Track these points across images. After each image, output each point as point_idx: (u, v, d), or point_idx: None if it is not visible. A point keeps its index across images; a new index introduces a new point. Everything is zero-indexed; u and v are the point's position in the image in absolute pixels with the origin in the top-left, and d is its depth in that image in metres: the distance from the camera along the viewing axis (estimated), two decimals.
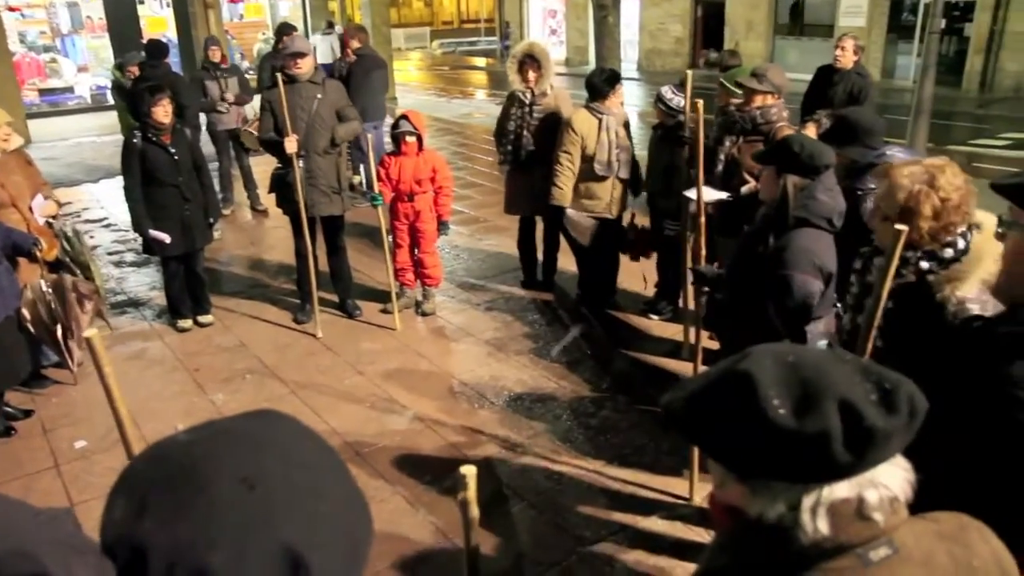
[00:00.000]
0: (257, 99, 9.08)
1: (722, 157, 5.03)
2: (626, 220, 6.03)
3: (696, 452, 3.88)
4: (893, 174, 2.50)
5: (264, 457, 0.84)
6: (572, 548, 3.68)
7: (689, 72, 4.73)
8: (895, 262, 2.02)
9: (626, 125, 5.88)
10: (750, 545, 1.05)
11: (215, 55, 8.61)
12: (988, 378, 1.53)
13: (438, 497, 4.05)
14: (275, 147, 5.69)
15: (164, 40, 9.73)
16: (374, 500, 4.05)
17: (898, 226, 1.97)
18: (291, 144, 5.53)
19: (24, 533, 0.93)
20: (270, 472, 0.83)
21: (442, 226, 6.16)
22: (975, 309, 2.23)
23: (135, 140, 5.55)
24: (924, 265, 2.44)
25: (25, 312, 4.70)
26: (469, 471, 1.21)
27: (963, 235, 2.42)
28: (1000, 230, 2.31)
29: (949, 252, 2.42)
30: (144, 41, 10.69)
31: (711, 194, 4.79)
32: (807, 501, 1.00)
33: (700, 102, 4.02)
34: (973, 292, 2.27)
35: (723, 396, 1.03)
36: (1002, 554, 1.14)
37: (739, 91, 5.12)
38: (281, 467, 0.84)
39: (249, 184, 9.13)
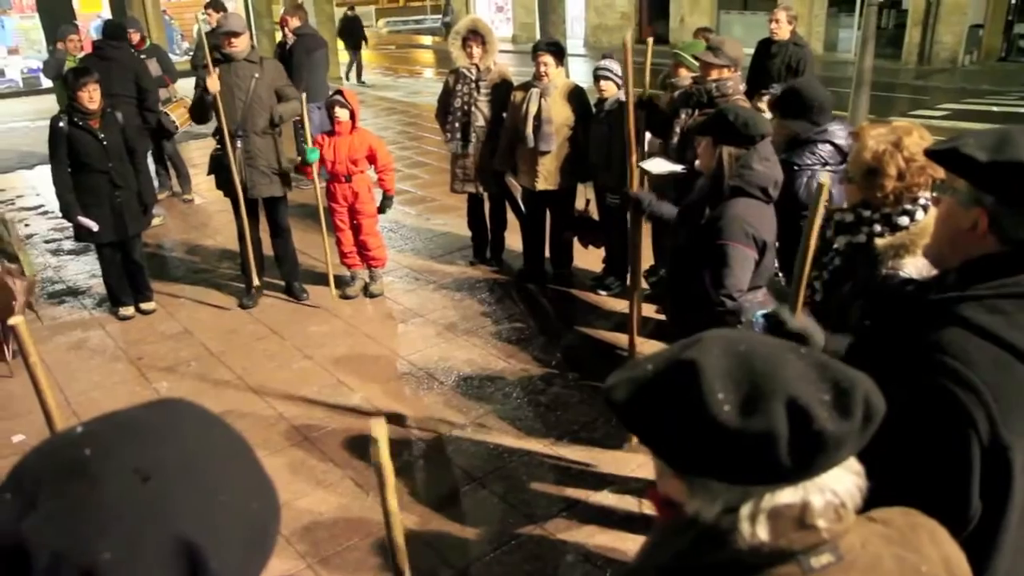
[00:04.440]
0: (182, 82, 8.88)
1: (677, 130, 5.05)
2: (580, 204, 6.03)
3: None
4: (862, 136, 2.52)
5: (161, 448, 0.81)
6: (523, 525, 3.69)
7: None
8: (819, 216, 2.03)
9: (573, 98, 5.78)
10: (686, 545, 1.00)
11: (133, 38, 8.36)
12: (917, 344, 1.55)
13: None
14: (204, 107, 5.57)
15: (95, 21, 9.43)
16: (323, 484, 4.02)
17: (822, 179, 1.99)
18: (212, 81, 5.42)
19: None
20: (166, 463, 0.79)
21: (386, 199, 6.03)
22: (906, 275, 2.26)
23: (61, 124, 5.37)
24: (877, 228, 2.47)
25: None
26: (379, 428, 1.13)
27: (924, 206, 2.43)
28: (935, 194, 2.34)
29: (905, 220, 2.43)
30: (77, 21, 10.36)
31: (665, 166, 4.81)
32: (747, 504, 0.94)
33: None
34: (915, 266, 2.29)
35: (665, 385, 0.97)
36: (953, 558, 1.10)
37: (696, 63, 5.15)
38: (179, 457, 0.81)
39: (179, 172, 8.87)
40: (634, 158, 3.78)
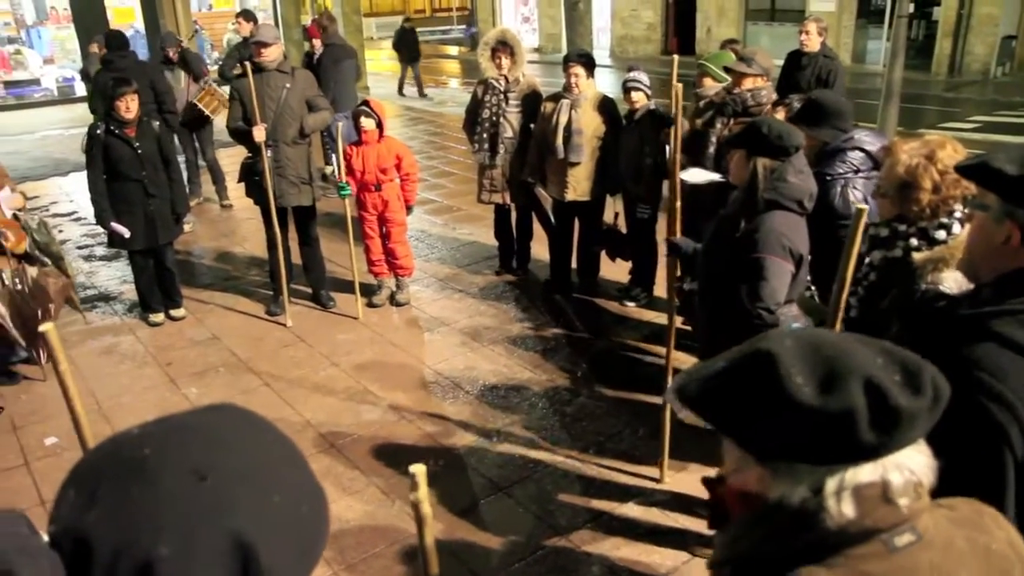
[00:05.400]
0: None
1: (713, 139, 5.04)
2: (609, 217, 6.02)
3: (667, 436, 3.89)
4: (894, 150, 2.51)
5: (216, 449, 0.84)
6: (549, 536, 3.69)
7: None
8: (858, 242, 2.02)
9: (603, 109, 5.77)
10: (772, 531, 1.02)
11: (172, 55, 8.57)
12: (951, 359, 1.53)
13: None
14: (243, 136, 5.63)
15: (128, 31, 9.64)
16: (349, 491, 4.04)
17: (859, 206, 1.98)
18: (259, 133, 5.48)
19: None
20: (222, 463, 0.82)
21: (407, 210, 6.12)
22: (947, 289, 2.24)
23: (98, 132, 5.47)
24: (913, 242, 2.45)
25: None
26: (419, 470, 1.17)
27: (960, 219, 2.41)
28: (966, 210, 2.32)
29: (942, 234, 2.41)
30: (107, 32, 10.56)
31: (703, 175, 4.79)
32: (831, 484, 0.98)
33: (678, 86, 3.96)
34: (955, 279, 2.27)
35: (742, 375, 1.01)
36: (1016, 539, 1.13)
37: (726, 76, 5.15)
38: (233, 459, 0.83)
39: (216, 178, 9.00)
40: (677, 179, 3.74)
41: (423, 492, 1.19)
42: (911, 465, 0.99)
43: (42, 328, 1.57)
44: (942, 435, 1.50)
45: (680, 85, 3.59)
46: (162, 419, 0.89)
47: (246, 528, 0.79)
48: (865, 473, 0.98)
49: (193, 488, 0.79)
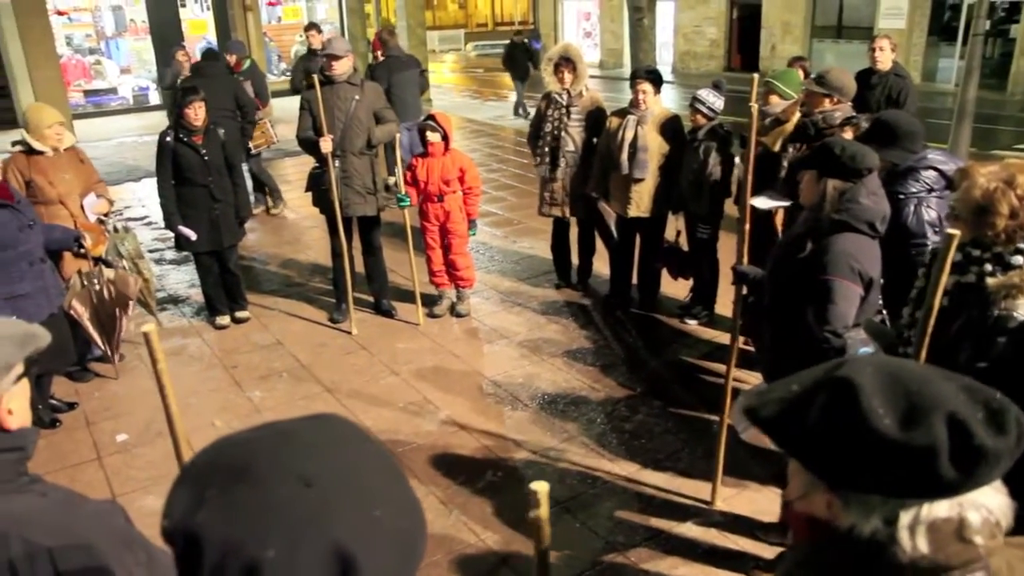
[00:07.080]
0: (274, 102, 9.29)
1: (785, 164, 4.96)
2: (671, 234, 5.98)
3: (721, 457, 3.85)
4: (972, 173, 2.46)
5: (322, 458, 0.86)
6: (606, 553, 3.67)
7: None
8: (948, 264, 1.97)
9: (669, 126, 5.75)
10: (839, 560, 1.01)
11: (229, 60, 8.84)
12: None
13: (471, 498, 4.06)
14: (312, 146, 5.75)
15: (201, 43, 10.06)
16: None
17: (950, 230, 1.94)
18: (326, 144, 5.60)
19: (82, 526, 0.94)
20: (327, 473, 0.84)
21: (471, 224, 6.17)
22: (1021, 316, 2.18)
23: (168, 139, 5.68)
24: (988, 267, 2.39)
25: (77, 304, 4.82)
26: (541, 488, 1.11)
27: None
28: None
29: (1018, 259, 2.35)
30: (183, 43, 11.03)
31: (771, 202, 4.72)
32: (905, 517, 0.97)
33: (755, 107, 3.90)
34: None
35: (821, 403, 1.00)
36: None
37: (792, 93, 5.09)
38: (338, 469, 0.85)
39: (269, 189, 9.27)
40: (748, 201, 3.68)
41: (544, 511, 1.12)
42: (990, 504, 0.97)
43: (144, 329, 1.63)
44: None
45: (755, 106, 3.56)
46: (266, 425, 0.91)
47: (348, 539, 0.80)
48: (942, 509, 0.97)
49: (299, 494, 0.81)
